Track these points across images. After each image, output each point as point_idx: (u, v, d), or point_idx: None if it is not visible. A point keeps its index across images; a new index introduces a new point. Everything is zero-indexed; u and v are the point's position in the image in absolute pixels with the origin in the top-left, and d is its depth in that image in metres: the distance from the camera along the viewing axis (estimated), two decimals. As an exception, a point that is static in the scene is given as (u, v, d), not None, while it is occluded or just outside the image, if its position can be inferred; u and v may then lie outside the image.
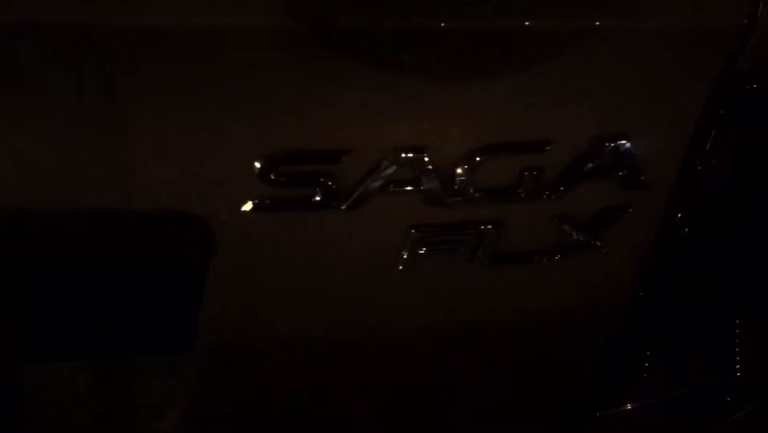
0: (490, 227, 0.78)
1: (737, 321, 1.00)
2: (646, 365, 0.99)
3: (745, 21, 0.75)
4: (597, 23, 0.75)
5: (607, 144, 0.77)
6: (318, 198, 0.73)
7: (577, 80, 0.76)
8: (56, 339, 0.75)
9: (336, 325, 0.81)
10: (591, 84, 0.76)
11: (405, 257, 0.77)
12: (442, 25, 0.72)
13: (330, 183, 0.73)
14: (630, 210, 0.81)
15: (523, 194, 0.76)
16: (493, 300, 0.83)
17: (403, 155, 0.73)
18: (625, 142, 0.77)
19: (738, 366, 1.02)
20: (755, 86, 0.81)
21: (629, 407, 0.99)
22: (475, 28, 0.73)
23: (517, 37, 0.75)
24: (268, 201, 0.72)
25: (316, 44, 0.70)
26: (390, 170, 0.73)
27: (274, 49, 0.69)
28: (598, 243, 0.81)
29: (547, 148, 0.76)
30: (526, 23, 0.74)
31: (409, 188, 0.74)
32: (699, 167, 0.81)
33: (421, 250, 0.77)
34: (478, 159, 0.75)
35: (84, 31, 0.66)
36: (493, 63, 0.74)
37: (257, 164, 0.71)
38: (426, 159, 0.73)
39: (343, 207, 0.73)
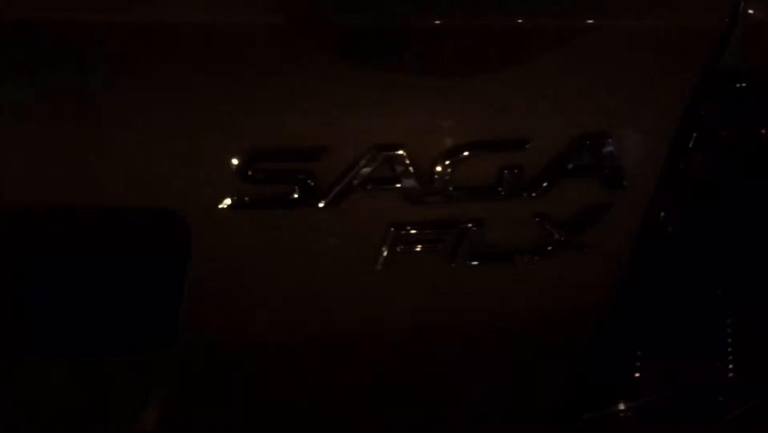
0: (470, 225, 0.77)
1: (728, 320, 0.99)
2: (638, 364, 0.99)
3: (727, 20, 0.75)
4: (579, 22, 0.75)
5: (588, 143, 0.77)
6: (296, 195, 0.73)
7: (558, 79, 0.76)
8: (34, 337, 0.75)
9: (315, 323, 0.81)
10: (572, 83, 0.76)
11: (385, 254, 0.77)
12: (423, 23, 0.72)
13: (309, 180, 0.73)
14: (612, 209, 0.80)
15: (502, 193, 0.76)
16: (474, 299, 0.83)
17: (382, 153, 0.73)
18: (606, 141, 0.77)
19: (730, 366, 1.01)
20: (744, 84, 0.80)
21: (619, 407, 0.98)
22: (455, 27, 0.73)
23: (499, 35, 0.75)
24: (246, 198, 0.73)
25: (295, 42, 0.70)
26: (369, 168, 0.73)
27: (253, 47, 0.69)
28: (580, 242, 0.81)
29: (527, 146, 0.76)
30: (509, 22, 0.74)
31: (388, 186, 0.74)
32: (682, 166, 0.81)
33: (401, 248, 0.77)
34: (457, 157, 0.75)
35: (63, 29, 0.66)
36: (472, 61, 0.75)
37: (235, 161, 0.71)
38: (405, 157, 0.73)
39: (322, 204, 0.74)
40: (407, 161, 0.74)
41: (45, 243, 0.74)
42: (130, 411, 0.83)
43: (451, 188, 0.75)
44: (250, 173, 0.71)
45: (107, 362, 0.80)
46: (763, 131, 0.84)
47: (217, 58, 0.69)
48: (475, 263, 0.79)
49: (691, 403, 1.01)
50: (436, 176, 0.75)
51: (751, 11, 0.75)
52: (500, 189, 0.76)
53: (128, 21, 0.68)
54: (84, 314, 0.76)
